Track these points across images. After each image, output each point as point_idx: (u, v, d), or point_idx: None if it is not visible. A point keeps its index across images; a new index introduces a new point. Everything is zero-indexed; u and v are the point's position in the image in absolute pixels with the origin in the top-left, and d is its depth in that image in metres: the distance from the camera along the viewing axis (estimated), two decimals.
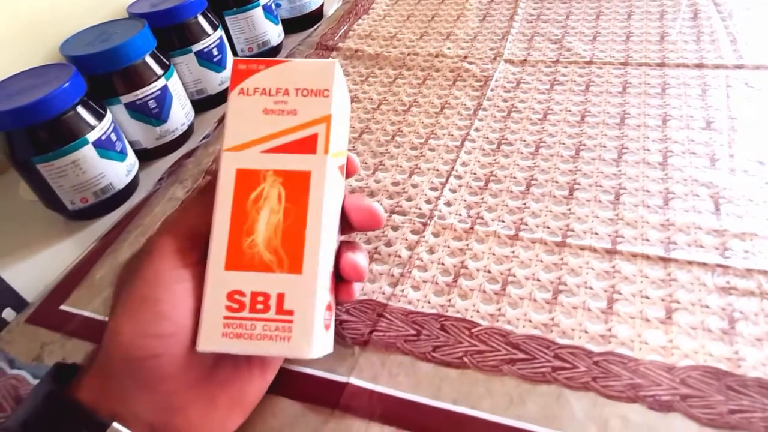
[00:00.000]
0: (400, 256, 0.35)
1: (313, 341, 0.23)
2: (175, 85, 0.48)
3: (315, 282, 0.23)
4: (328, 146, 0.24)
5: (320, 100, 0.25)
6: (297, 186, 0.24)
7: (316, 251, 0.24)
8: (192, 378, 0.23)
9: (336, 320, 0.31)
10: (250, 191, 0.24)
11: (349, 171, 0.29)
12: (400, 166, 0.42)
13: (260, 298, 0.23)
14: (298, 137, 0.25)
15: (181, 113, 0.49)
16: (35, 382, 0.31)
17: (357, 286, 0.27)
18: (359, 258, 0.27)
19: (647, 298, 0.30)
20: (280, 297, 0.23)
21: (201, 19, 0.52)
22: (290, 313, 0.23)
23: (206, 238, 0.24)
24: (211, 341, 0.23)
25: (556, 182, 0.38)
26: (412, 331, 0.30)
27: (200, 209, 0.25)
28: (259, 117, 0.25)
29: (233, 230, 0.24)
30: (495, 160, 0.41)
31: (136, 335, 0.22)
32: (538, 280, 0.32)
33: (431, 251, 0.35)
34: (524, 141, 0.43)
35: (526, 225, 0.36)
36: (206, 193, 0.25)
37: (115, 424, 0.22)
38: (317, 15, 0.69)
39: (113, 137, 0.42)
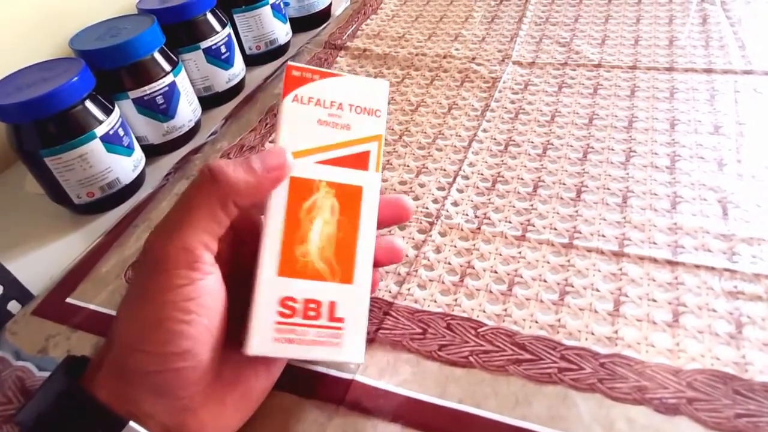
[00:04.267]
0: (406, 255, 0.35)
1: (363, 346, 0.25)
2: (182, 81, 0.48)
3: (366, 292, 0.25)
4: (379, 164, 0.26)
5: (373, 119, 0.26)
6: (349, 200, 0.25)
7: (368, 264, 0.25)
8: (205, 381, 0.23)
9: None
10: (303, 200, 0.25)
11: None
12: (408, 166, 0.42)
13: (312, 305, 0.24)
14: (352, 152, 0.25)
15: (188, 110, 0.49)
16: (40, 374, 0.31)
17: (377, 276, 0.28)
18: (396, 240, 0.28)
19: (654, 301, 0.30)
20: (332, 305, 0.24)
21: (210, 17, 0.52)
22: (341, 320, 0.24)
23: (212, 244, 0.23)
24: (262, 345, 0.23)
25: (564, 184, 0.38)
26: (418, 330, 0.30)
27: (207, 208, 0.23)
28: (314, 127, 0.25)
29: (286, 237, 0.24)
30: (502, 161, 0.41)
31: (150, 354, 0.22)
32: (545, 281, 0.32)
33: (438, 250, 0.35)
34: (532, 143, 0.43)
35: (533, 226, 0.36)
36: (211, 192, 0.23)
37: (132, 424, 0.21)
38: (325, 14, 0.69)
39: (121, 132, 0.42)
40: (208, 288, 0.23)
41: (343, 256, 0.25)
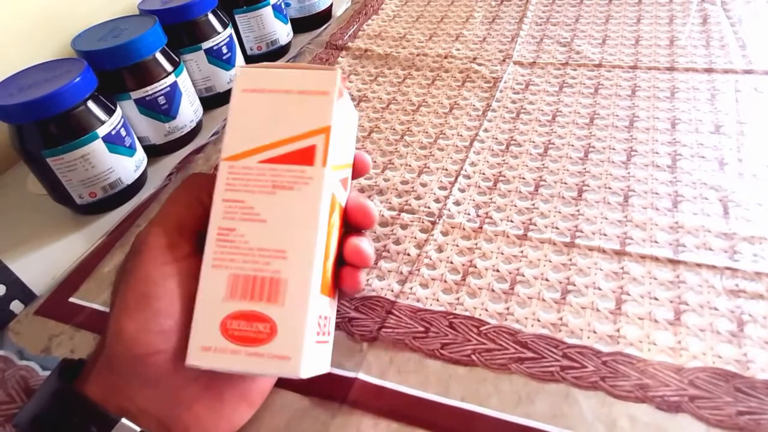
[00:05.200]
0: (408, 254, 0.35)
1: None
2: (184, 82, 0.48)
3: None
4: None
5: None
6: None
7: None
8: (195, 372, 0.23)
9: (345, 317, 0.31)
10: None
11: (359, 170, 0.29)
12: (410, 165, 0.42)
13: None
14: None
15: (190, 110, 0.49)
16: (44, 373, 0.31)
17: (362, 276, 0.26)
18: (363, 243, 0.26)
19: (656, 299, 0.30)
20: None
21: (211, 17, 0.52)
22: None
23: (193, 230, 0.24)
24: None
25: (565, 183, 0.39)
26: (421, 329, 0.30)
27: (184, 201, 0.25)
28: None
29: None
30: (504, 160, 0.41)
31: (138, 332, 0.22)
32: (547, 280, 0.32)
33: (440, 250, 0.35)
34: (533, 142, 0.43)
35: (535, 225, 0.36)
36: (189, 187, 0.25)
37: (124, 420, 0.22)
38: (326, 15, 0.69)
39: (123, 132, 0.42)
40: (190, 272, 0.23)
41: None
